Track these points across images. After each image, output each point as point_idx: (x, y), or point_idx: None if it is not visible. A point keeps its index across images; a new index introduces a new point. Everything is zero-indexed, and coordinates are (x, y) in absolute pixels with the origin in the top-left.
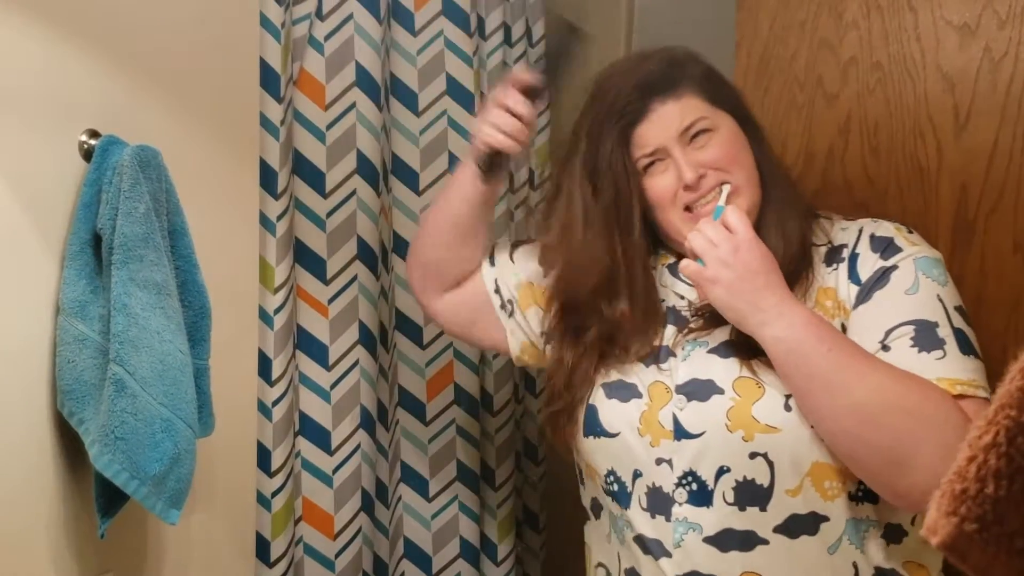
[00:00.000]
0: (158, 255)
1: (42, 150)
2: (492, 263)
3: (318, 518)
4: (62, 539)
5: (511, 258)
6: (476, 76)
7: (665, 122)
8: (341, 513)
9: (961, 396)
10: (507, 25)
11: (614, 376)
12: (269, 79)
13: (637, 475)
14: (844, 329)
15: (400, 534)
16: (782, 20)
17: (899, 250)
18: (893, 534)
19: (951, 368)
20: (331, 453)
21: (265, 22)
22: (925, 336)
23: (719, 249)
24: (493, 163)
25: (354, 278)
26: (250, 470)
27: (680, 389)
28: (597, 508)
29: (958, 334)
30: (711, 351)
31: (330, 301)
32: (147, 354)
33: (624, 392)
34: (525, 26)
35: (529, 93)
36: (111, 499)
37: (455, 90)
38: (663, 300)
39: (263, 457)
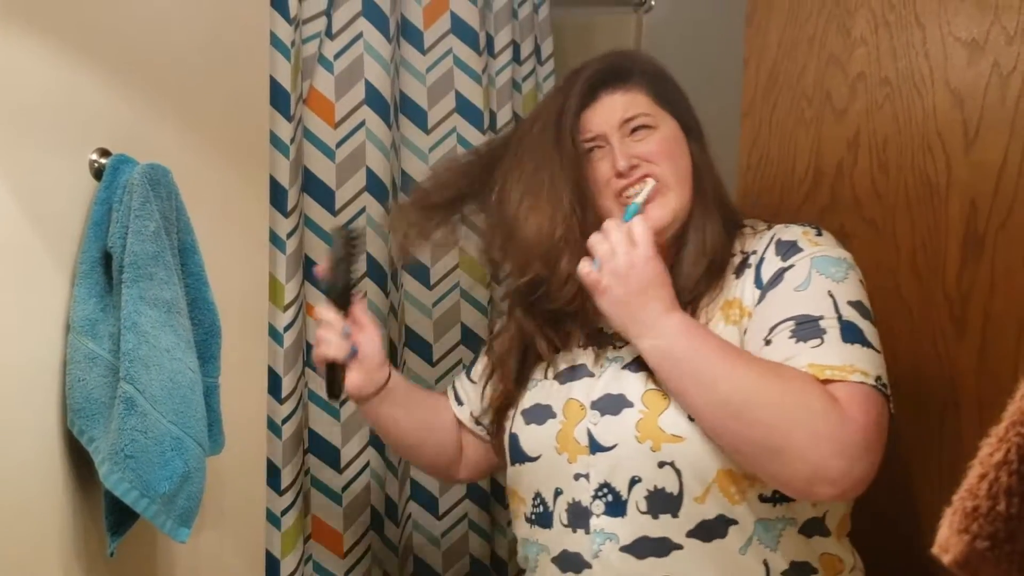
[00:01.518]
0: (168, 273)
1: (53, 169)
2: (477, 422)
3: (327, 536)
4: (72, 557)
5: (482, 397)
6: (485, 94)
7: (609, 110)
8: (350, 531)
9: (829, 381)
10: (516, 43)
11: (531, 401)
12: (279, 97)
13: (558, 493)
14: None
15: (410, 552)
16: (790, 36)
17: (799, 251)
18: (811, 528)
19: (824, 355)
20: (340, 471)
21: (275, 41)
22: (805, 328)
23: (616, 260)
24: (336, 377)
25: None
26: (260, 488)
27: (594, 405)
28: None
29: (845, 324)
30: (625, 367)
31: None
32: (157, 372)
33: (541, 415)
34: (534, 44)
35: (336, 301)
36: (121, 517)
37: (464, 108)
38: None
39: (273, 475)
